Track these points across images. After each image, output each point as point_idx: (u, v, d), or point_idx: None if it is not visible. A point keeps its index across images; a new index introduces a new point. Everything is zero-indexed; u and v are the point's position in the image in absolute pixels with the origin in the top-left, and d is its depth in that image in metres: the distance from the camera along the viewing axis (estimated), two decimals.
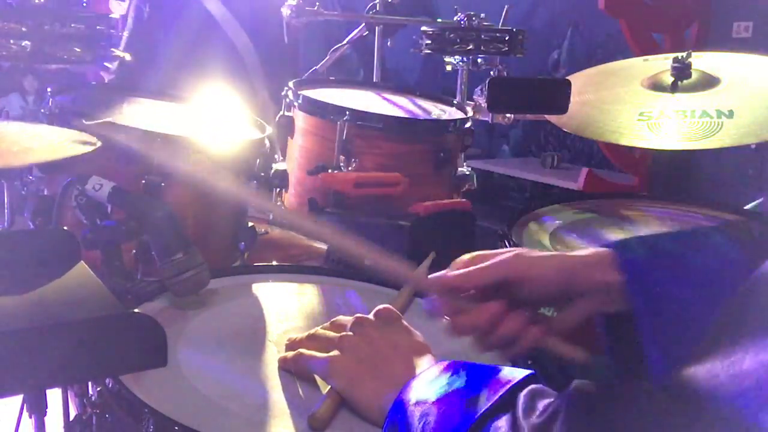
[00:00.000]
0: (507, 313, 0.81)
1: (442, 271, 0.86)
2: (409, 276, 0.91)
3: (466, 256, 0.87)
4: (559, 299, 0.83)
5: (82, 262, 0.86)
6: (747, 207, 1.67)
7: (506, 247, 1.63)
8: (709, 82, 1.56)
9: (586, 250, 0.84)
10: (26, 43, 1.89)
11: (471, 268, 0.84)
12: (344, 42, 2.21)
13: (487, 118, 1.86)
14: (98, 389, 0.85)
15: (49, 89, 1.39)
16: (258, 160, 1.49)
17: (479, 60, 1.91)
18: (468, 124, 1.67)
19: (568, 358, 0.84)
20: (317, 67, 2.16)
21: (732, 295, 0.76)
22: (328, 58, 2.19)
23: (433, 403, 0.69)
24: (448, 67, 1.97)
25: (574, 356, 0.84)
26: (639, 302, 0.78)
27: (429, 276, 0.87)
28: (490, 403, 0.65)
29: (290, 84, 1.65)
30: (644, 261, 0.81)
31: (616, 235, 1.46)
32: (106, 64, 2.02)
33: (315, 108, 1.58)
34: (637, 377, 0.81)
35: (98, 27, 2.00)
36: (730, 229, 0.85)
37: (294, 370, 0.88)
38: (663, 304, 0.78)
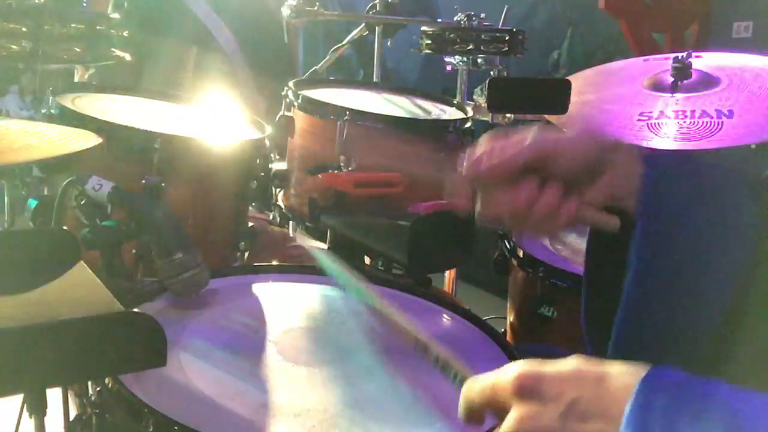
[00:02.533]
0: (542, 190, 0.80)
1: (471, 159, 0.84)
2: (446, 167, 0.89)
3: (486, 140, 0.85)
4: (586, 174, 0.82)
5: (82, 262, 0.86)
6: None
7: (506, 246, 1.63)
8: (709, 82, 1.57)
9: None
10: (26, 43, 1.88)
11: (500, 156, 0.82)
12: (344, 42, 2.21)
13: (487, 118, 1.86)
14: (98, 389, 0.85)
15: (49, 89, 1.39)
16: (258, 160, 1.49)
17: (479, 60, 1.91)
18: (468, 124, 1.67)
19: (604, 224, 0.83)
20: (317, 67, 2.16)
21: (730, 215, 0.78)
22: (328, 58, 2.19)
23: None
24: (448, 67, 1.97)
25: (610, 223, 0.83)
26: (646, 196, 0.80)
27: (461, 169, 0.85)
28: None
29: (290, 84, 1.65)
30: (667, 170, 0.82)
31: None
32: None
33: (315, 108, 1.58)
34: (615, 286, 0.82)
35: (98, 27, 2.00)
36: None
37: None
38: (666, 209, 0.80)
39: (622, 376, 0.59)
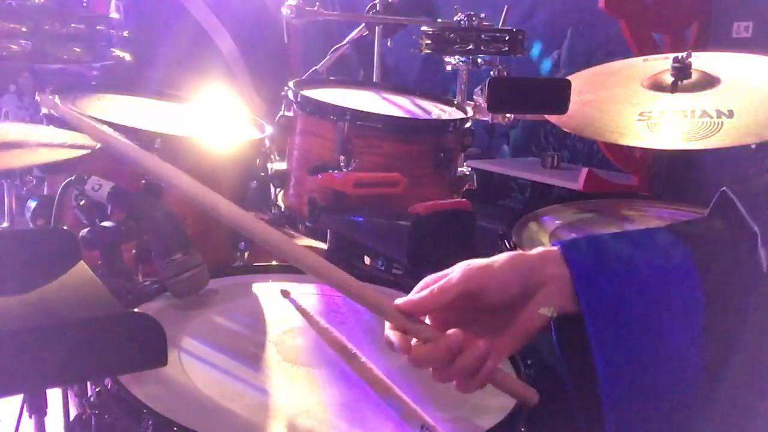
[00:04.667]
0: (467, 342, 0.78)
1: (395, 301, 0.82)
2: (373, 303, 0.84)
3: (418, 286, 0.84)
4: (520, 298, 0.81)
5: (82, 262, 0.86)
6: None
7: (506, 247, 1.63)
8: (709, 82, 1.56)
9: (536, 249, 0.83)
10: (26, 43, 1.89)
11: (425, 293, 0.81)
12: (344, 42, 2.21)
13: (487, 118, 1.86)
14: (98, 389, 0.85)
15: (49, 89, 1.39)
16: (258, 160, 1.49)
17: (479, 60, 1.91)
18: (468, 124, 1.67)
19: (521, 396, 0.83)
20: (317, 67, 2.16)
21: (676, 296, 0.77)
22: (328, 58, 2.19)
23: None
24: (448, 67, 1.97)
25: (527, 395, 0.83)
26: (584, 302, 0.78)
27: (390, 303, 0.82)
28: None
29: (290, 84, 1.65)
30: (591, 261, 0.80)
31: None
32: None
33: (315, 108, 1.58)
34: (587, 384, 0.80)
35: (98, 27, 2.01)
36: (681, 227, 0.84)
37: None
38: (607, 304, 0.77)
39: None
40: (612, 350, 0.77)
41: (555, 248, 0.81)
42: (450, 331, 0.79)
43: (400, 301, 0.81)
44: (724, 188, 0.84)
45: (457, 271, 0.81)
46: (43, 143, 1.14)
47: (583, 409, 0.84)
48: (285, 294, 1.05)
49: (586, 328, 0.77)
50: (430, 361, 0.79)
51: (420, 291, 0.82)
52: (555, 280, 0.79)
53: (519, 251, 0.85)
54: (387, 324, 0.81)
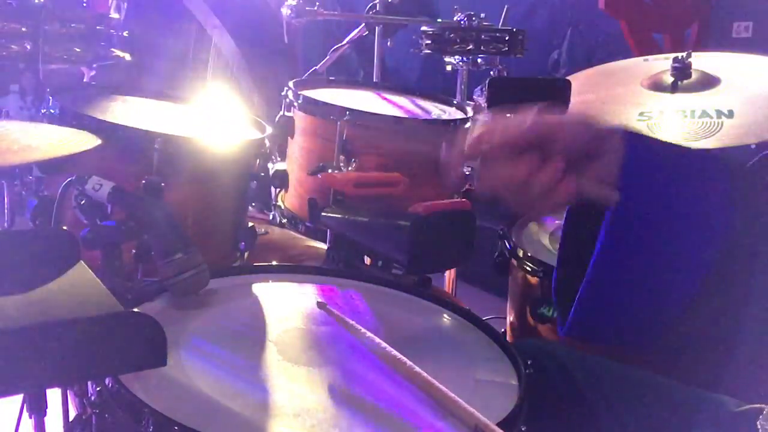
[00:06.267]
0: (542, 165, 0.81)
1: (472, 137, 0.84)
2: (446, 138, 0.89)
3: (485, 120, 0.86)
4: (584, 155, 0.83)
5: (81, 262, 0.86)
6: None
7: (506, 246, 1.63)
8: (709, 82, 1.57)
9: (609, 124, 0.85)
10: (26, 43, 1.89)
11: (501, 134, 0.83)
12: (344, 42, 2.21)
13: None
14: (98, 389, 0.85)
15: (48, 89, 1.39)
16: (258, 160, 1.49)
17: (479, 60, 1.91)
18: (468, 124, 1.67)
19: (604, 198, 0.84)
20: (317, 67, 2.16)
21: (704, 209, 0.80)
22: (328, 58, 2.19)
23: None
24: (448, 67, 1.97)
25: (611, 196, 0.83)
26: (626, 174, 0.81)
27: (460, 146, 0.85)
28: None
29: (290, 84, 1.65)
30: (645, 146, 0.84)
31: None
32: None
33: (315, 108, 1.58)
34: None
35: (98, 27, 2.01)
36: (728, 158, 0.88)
37: None
38: (647, 183, 0.82)
39: None
40: (623, 231, 0.81)
41: (621, 128, 0.85)
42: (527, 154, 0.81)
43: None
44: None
45: (530, 117, 0.83)
46: (43, 141, 1.14)
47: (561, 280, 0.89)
48: (321, 306, 1.05)
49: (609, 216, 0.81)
50: (510, 179, 0.81)
51: (491, 129, 0.83)
52: (614, 155, 0.82)
53: (590, 113, 0.87)
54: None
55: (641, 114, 1.51)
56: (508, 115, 0.84)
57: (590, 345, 0.92)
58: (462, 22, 1.88)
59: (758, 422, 0.84)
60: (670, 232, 0.82)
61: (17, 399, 1.00)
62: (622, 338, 0.88)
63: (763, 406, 0.85)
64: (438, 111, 1.75)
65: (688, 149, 0.97)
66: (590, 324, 0.86)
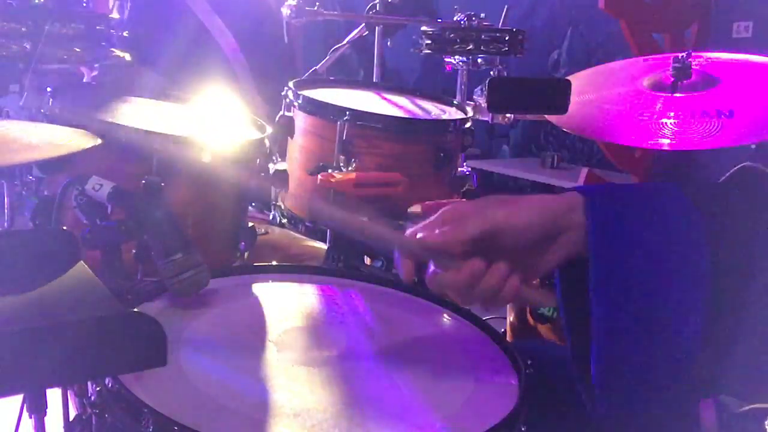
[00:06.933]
0: (487, 270, 0.82)
1: (413, 229, 0.85)
2: (392, 238, 0.89)
3: (437, 215, 0.86)
4: (540, 242, 0.83)
5: (82, 262, 0.86)
6: None
7: None
8: (709, 82, 1.56)
9: (559, 195, 0.85)
10: (26, 42, 1.89)
11: (447, 229, 0.83)
12: (344, 42, 2.21)
13: (487, 118, 1.86)
14: (98, 389, 0.85)
15: (48, 89, 1.39)
16: (258, 160, 1.49)
17: (479, 60, 1.91)
18: (468, 124, 1.67)
19: (541, 303, 0.85)
20: (317, 67, 2.16)
21: (683, 264, 0.78)
22: (328, 58, 2.18)
23: None
24: (448, 67, 1.97)
25: (550, 302, 0.85)
26: (596, 241, 0.80)
27: (406, 238, 0.86)
28: None
29: (290, 84, 1.65)
30: (609, 203, 0.83)
31: None
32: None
33: (315, 108, 1.58)
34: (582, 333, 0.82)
35: (98, 27, 2.01)
36: (698, 191, 0.86)
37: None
38: (619, 243, 0.80)
39: None
40: (610, 297, 0.80)
41: (580, 197, 0.83)
42: (472, 259, 0.82)
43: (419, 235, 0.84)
44: (743, 164, 0.86)
45: (481, 211, 0.83)
46: (43, 141, 1.14)
47: (576, 358, 0.87)
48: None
49: (588, 270, 0.80)
50: (454, 286, 0.83)
51: (440, 224, 0.84)
52: (576, 228, 0.82)
53: (544, 195, 0.87)
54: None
55: (641, 114, 1.51)
56: (459, 211, 0.84)
57: (628, 414, 0.90)
58: (462, 22, 1.88)
59: (766, 423, 0.83)
60: (657, 280, 0.80)
61: (17, 399, 1.00)
62: (652, 395, 0.85)
63: (766, 406, 0.85)
64: (438, 111, 1.75)
65: (653, 186, 0.94)
66: (616, 396, 0.84)
